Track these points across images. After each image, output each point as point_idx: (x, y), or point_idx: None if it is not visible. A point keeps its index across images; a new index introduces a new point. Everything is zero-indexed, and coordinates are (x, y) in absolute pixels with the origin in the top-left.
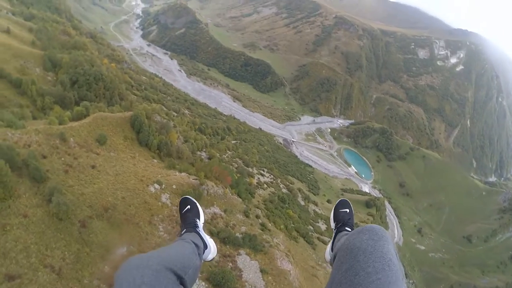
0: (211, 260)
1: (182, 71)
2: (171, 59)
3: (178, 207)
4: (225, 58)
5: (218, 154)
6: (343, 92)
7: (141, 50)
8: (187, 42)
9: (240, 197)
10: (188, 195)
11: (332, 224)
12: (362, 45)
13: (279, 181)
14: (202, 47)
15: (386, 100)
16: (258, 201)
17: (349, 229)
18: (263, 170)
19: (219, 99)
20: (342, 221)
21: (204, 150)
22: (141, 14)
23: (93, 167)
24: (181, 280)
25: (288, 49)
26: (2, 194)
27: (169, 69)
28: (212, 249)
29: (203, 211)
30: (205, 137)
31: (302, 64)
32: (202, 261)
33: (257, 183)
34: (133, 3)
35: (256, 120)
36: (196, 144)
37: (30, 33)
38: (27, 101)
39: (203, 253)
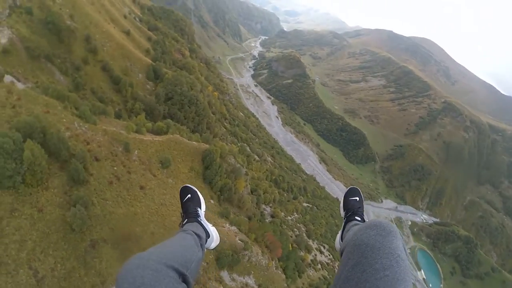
0: (214, 248)
1: (279, 118)
2: (272, 104)
3: (179, 196)
4: (323, 118)
5: (282, 214)
6: (436, 185)
7: (248, 88)
8: (292, 92)
9: (285, 274)
10: (189, 184)
11: (342, 213)
12: (467, 137)
13: (336, 265)
14: (304, 101)
15: (480, 206)
16: (303, 284)
17: (359, 218)
18: (324, 247)
19: (306, 156)
20: (352, 210)
21: (270, 205)
22: (256, 56)
23: (141, 188)
24: (183, 277)
25: (388, 125)
26: (29, 180)
27: (267, 112)
28: (215, 237)
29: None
30: (277, 191)
31: (399, 144)
32: (205, 250)
33: (311, 260)
34: (253, 44)
35: (336, 189)
36: (263, 197)
37: (148, 42)
38: (119, 99)
39: (206, 242)
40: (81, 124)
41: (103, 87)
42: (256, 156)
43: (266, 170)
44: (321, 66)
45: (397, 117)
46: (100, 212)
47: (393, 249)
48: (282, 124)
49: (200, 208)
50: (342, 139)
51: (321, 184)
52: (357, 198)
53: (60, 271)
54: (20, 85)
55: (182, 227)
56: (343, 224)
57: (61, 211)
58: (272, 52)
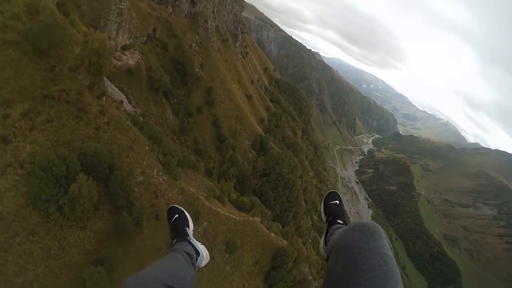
0: (204, 266)
1: None
2: (368, 207)
3: (166, 217)
4: (418, 238)
5: None
6: None
7: (348, 183)
8: (392, 201)
9: None
10: (176, 205)
11: (324, 217)
12: None
13: None
14: (402, 215)
15: None
16: None
17: (341, 221)
18: None
19: None
20: (333, 214)
21: None
22: (365, 153)
23: None
24: None
25: (490, 264)
26: (67, 212)
27: (360, 215)
28: (205, 255)
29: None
30: None
31: None
32: (196, 269)
33: None
34: (365, 140)
35: None
36: None
37: (266, 111)
38: (217, 157)
39: (196, 260)
40: (160, 173)
41: (206, 140)
42: None
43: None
44: (430, 179)
45: (502, 257)
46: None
47: (379, 248)
48: None
49: (189, 227)
50: (433, 268)
51: None
52: (337, 202)
53: None
54: (129, 107)
55: (172, 247)
56: (325, 228)
57: (85, 259)
58: (382, 153)
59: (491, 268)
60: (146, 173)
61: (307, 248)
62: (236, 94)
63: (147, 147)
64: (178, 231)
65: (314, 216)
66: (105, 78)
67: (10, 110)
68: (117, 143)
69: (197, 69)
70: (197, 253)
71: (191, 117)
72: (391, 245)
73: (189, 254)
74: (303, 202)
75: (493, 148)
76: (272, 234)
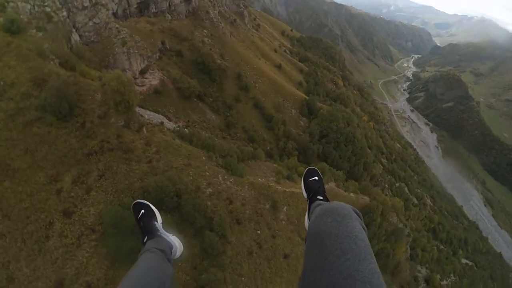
0: (179, 257)
1: (439, 148)
2: (431, 131)
3: (132, 214)
4: (490, 149)
5: (438, 278)
6: None
7: (403, 113)
8: (453, 118)
9: None
10: (140, 199)
11: (305, 195)
12: None
13: None
14: (468, 128)
15: None
16: None
17: (321, 197)
18: None
19: (469, 196)
20: (314, 190)
21: (426, 265)
22: (411, 78)
23: (285, 256)
24: None
25: None
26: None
27: (426, 142)
28: (178, 246)
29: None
30: (436, 244)
31: None
32: (173, 263)
33: None
34: (405, 64)
35: (501, 241)
36: (421, 256)
37: (299, 74)
38: (271, 137)
39: (171, 254)
40: (225, 177)
41: (255, 125)
42: (415, 199)
43: (425, 217)
44: (485, 84)
45: None
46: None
47: (350, 232)
48: (442, 156)
49: (157, 221)
50: None
51: (483, 234)
52: (316, 178)
53: None
54: (170, 125)
55: (143, 245)
56: (308, 206)
57: None
58: (427, 71)
59: None
60: (212, 182)
61: (386, 194)
62: (265, 69)
63: (204, 158)
64: (147, 227)
65: (382, 159)
66: (137, 109)
67: (61, 184)
68: (174, 167)
69: (219, 61)
70: (171, 245)
71: (232, 109)
72: (363, 225)
73: (163, 251)
74: (368, 150)
75: None
76: (352, 194)
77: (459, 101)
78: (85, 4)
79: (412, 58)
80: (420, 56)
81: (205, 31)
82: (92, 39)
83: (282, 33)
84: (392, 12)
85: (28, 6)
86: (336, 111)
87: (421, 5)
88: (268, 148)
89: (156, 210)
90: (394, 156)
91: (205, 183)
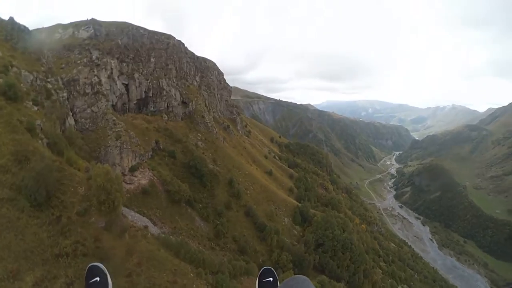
0: None
1: (434, 241)
2: (423, 225)
3: (85, 274)
4: (485, 229)
5: None
6: None
7: (392, 211)
8: (443, 207)
9: None
10: (99, 263)
11: None
12: None
13: None
14: (459, 214)
15: None
16: None
17: None
18: None
19: (473, 282)
20: None
21: None
22: (395, 174)
23: None
24: None
25: None
26: None
27: (419, 236)
28: None
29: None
30: None
31: None
32: None
33: None
34: (388, 162)
35: None
36: None
37: (290, 180)
38: (264, 249)
39: None
40: None
41: (246, 235)
42: None
43: None
44: (467, 167)
45: None
46: None
47: None
48: (438, 247)
49: None
50: None
51: None
52: (271, 279)
53: None
54: (155, 230)
55: None
56: None
57: None
58: (410, 166)
59: None
60: None
61: None
62: (257, 175)
63: (191, 274)
64: None
65: (380, 263)
66: (122, 208)
67: (20, 283)
68: (157, 284)
69: (211, 166)
70: None
71: (223, 217)
72: None
73: None
74: (366, 255)
75: (507, 104)
76: None
77: (446, 189)
78: (87, 91)
79: (393, 155)
80: (401, 152)
81: (199, 134)
82: (87, 126)
83: (271, 139)
84: (371, 114)
85: (31, 77)
86: (331, 218)
87: (396, 104)
88: (261, 260)
89: (111, 284)
90: (391, 257)
91: None
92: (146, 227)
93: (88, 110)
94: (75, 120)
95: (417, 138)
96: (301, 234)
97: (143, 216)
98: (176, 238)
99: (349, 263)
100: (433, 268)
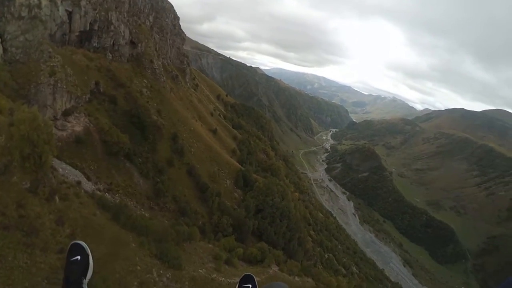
0: None
1: (356, 216)
2: (348, 200)
3: (67, 251)
4: (404, 213)
5: None
6: None
7: (322, 183)
8: (368, 187)
9: None
10: (82, 242)
11: None
12: None
13: None
14: (383, 196)
15: None
16: None
17: None
18: None
19: (388, 259)
20: None
21: None
22: (329, 149)
23: None
24: None
25: (477, 215)
26: None
27: (343, 209)
28: None
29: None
30: None
31: (492, 235)
32: None
33: None
34: (324, 137)
35: None
36: None
37: (233, 141)
38: (204, 210)
39: None
40: (161, 271)
41: (187, 195)
42: (343, 269)
43: (355, 286)
44: (396, 155)
45: (485, 203)
46: None
47: None
48: (359, 222)
49: (85, 277)
50: (427, 236)
51: None
52: (250, 286)
53: None
54: (89, 186)
55: None
56: None
57: None
58: (344, 144)
59: (480, 217)
60: (146, 282)
61: (318, 268)
62: (202, 133)
63: (133, 244)
64: (73, 279)
65: (310, 231)
66: (52, 163)
67: None
68: (95, 258)
69: (155, 117)
70: None
71: (163, 174)
72: None
73: None
74: (302, 227)
75: (443, 109)
76: (297, 278)
77: (374, 171)
78: (23, 14)
79: (330, 131)
80: (337, 130)
81: (145, 80)
82: (17, 57)
83: (217, 97)
84: (315, 89)
85: None
86: (272, 185)
87: (341, 85)
88: (201, 222)
89: (92, 264)
90: (319, 227)
91: (136, 283)
92: (79, 182)
93: (21, 38)
94: (4, 49)
95: (354, 120)
96: (241, 198)
97: (76, 169)
98: (112, 196)
99: (286, 230)
100: (354, 240)
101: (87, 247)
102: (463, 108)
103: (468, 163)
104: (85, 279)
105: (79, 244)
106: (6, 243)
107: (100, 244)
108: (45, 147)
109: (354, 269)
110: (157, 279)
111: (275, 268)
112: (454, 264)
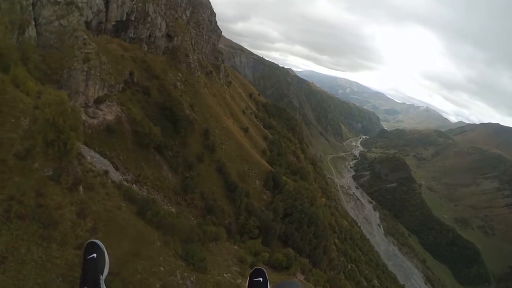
0: None
1: (381, 227)
2: (374, 210)
3: (83, 250)
4: (430, 229)
5: None
6: None
7: (349, 190)
8: (396, 198)
9: None
10: (98, 241)
11: None
12: None
13: None
14: (410, 209)
15: None
16: None
17: None
18: None
19: (409, 274)
20: None
21: None
22: (358, 156)
23: None
24: None
25: (505, 237)
26: None
27: (368, 219)
28: None
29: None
30: None
31: None
32: None
33: None
34: (354, 143)
35: None
36: None
37: (264, 141)
38: (231, 210)
39: None
40: (185, 274)
41: (215, 193)
42: (364, 282)
43: None
44: (427, 168)
45: None
46: None
47: None
48: (384, 234)
49: (103, 274)
50: (452, 254)
51: None
52: (261, 279)
53: None
54: (116, 176)
55: None
56: None
57: None
58: (373, 152)
59: (508, 240)
60: (168, 284)
61: (341, 279)
62: (233, 131)
63: (158, 243)
64: (89, 276)
65: (335, 240)
66: (79, 150)
67: None
68: (116, 257)
69: (188, 111)
70: None
71: (193, 170)
72: None
73: None
74: (329, 235)
75: (477, 123)
76: None
77: (402, 182)
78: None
79: (360, 138)
80: (368, 137)
81: (179, 74)
82: (51, 42)
83: (250, 95)
84: (347, 94)
85: None
86: (302, 189)
87: (374, 91)
88: (227, 222)
89: (108, 261)
90: (343, 235)
91: (158, 285)
92: (106, 172)
93: (56, 23)
94: (38, 33)
95: (386, 128)
96: (270, 199)
97: (104, 158)
98: (140, 189)
99: (312, 237)
100: (377, 252)
101: (102, 245)
102: (498, 123)
103: (500, 181)
104: (102, 275)
105: (95, 242)
106: (20, 234)
107: (123, 241)
108: (71, 134)
109: (376, 282)
110: (180, 282)
111: (300, 277)
112: (476, 286)
